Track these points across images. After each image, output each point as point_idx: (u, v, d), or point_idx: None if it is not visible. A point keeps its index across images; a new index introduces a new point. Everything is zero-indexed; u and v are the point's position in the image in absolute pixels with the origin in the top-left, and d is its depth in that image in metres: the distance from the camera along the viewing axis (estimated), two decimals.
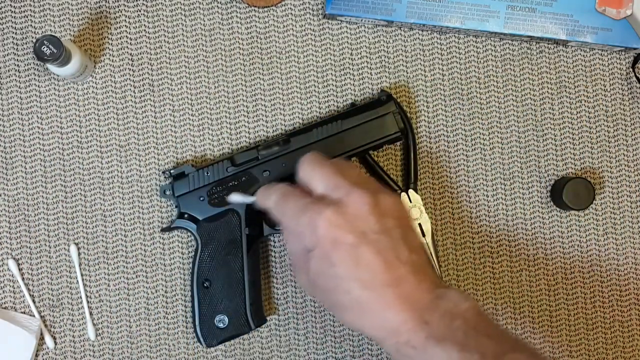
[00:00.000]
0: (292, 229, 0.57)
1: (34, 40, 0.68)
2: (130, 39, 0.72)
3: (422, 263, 0.56)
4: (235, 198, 0.66)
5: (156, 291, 0.72)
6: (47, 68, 0.71)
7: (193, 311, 0.69)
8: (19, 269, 0.71)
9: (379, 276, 0.53)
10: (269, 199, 0.60)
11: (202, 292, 0.68)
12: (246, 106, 0.73)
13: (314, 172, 0.58)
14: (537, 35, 0.72)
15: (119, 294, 0.71)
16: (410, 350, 0.53)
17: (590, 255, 0.74)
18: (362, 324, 0.55)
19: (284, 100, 0.73)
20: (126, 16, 0.72)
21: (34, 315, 0.71)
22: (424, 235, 0.72)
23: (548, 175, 0.74)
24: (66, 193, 0.71)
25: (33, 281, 0.71)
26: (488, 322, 0.54)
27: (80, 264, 0.71)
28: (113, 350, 0.71)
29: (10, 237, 0.71)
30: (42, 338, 0.71)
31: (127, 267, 0.72)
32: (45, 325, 0.71)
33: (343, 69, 0.73)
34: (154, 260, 0.72)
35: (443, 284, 0.56)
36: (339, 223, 0.54)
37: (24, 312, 0.71)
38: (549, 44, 0.74)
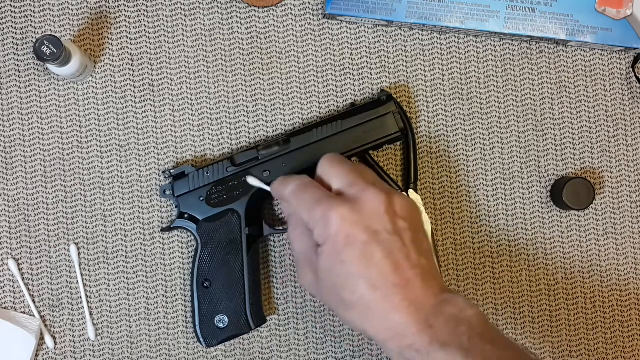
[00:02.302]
0: (302, 221, 0.57)
1: (34, 40, 0.68)
2: (130, 39, 0.72)
3: (431, 267, 0.56)
4: (253, 181, 0.66)
5: (156, 291, 0.72)
6: (47, 68, 0.71)
7: (193, 311, 0.69)
8: (19, 269, 0.71)
9: (387, 277, 0.53)
10: (286, 188, 0.60)
11: (202, 292, 0.68)
12: (246, 106, 0.73)
13: (333, 169, 0.59)
14: (537, 35, 0.72)
15: (119, 294, 0.71)
16: (413, 354, 0.52)
17: (590, 255, 0.74)
18: (366, 324, 0.54)
19: (284, 100, 0.73)
20: (126, 16, 0.72)
21: (34, 315, 0.71)
22: None
23: (548, 175, 0.74)
24: (66, 193, 0.71)
25: (33, 281, 0.71)
26: (493, 330, 0.54)
27: (80, 264, 0.71)
28: (113, 350, 0.71)
29: (10, 237, 0.71)
30: (42, 338, 0.71)
31: (127, 267, 0.72)
32: (45, 325, 0.71)
33: (343, 69, 0.73)
34: (154, 260, 0.72)
35: (450, 290, 0.56)
36: (353, 220, 0.54)
37: (24, 312, 0.71)
38: (549, 44, 0.74)
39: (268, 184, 0.65)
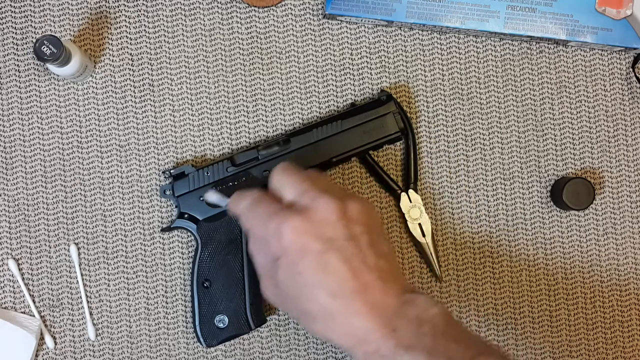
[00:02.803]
0: (259, 236, 0.56)
1: (34, 40, 0.68)
2: (130, 39, 0.72)
3: (390, 269, 0.55)
4: (212, 197, 0.65)
5: (156, 291, 0.72)
6: (47, 68, 0.71)
7: (193, 311, 0.69)
8: (19, 269, 0.71)
9: (345, 284, 0.53)
10: (239, 204, 0.59)
11: (202, 292, 0.68)
12: (246, 106, 0.73)
13: (284, 180, 0.58)
14: (537, 35, 0.72)
15: (119, 294, 0.71)
16: (379, 359, 0.52)
17: (590, 255, 0.74)
18: (330, 333, 0.54)
19: (284, 100, 0.73)
20: (126, 16, 0.72)
21: (34, 315, 0.71)
22: (424, 235, 0.72)
23: (548, 175, 0.74)
24: (66, 193, 0.71)
25: (33, 281, 0.71)
26: (457, 327, 0.54)
27: (80, 264, 0.71)
28: (113, 350, 0.71)
29: (10, 237, 0.71)
30: (42, 338, 0.71)
31: (127, 267, 0.72)
32: (45, 325, 0.71)
33: (343, 69, 0.73)
34: (154, 260, 0.72)
35: (412, 289, 0.56)
36: (306, 230, 0.53)
37: (24, 312, 0.71)
38: (549, 44, 0.74)
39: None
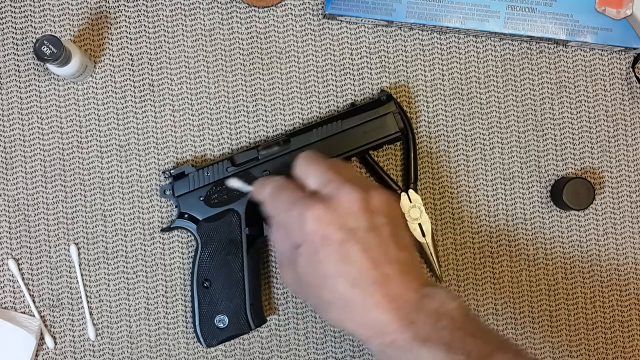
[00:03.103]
0: (281, 223, 0.57)
1: (34, 40, 0.68)
2: (130, 39, 0.72)
3: (411, 262, 0.56)
4: (234, 183, 0.66)
5: (156, 291, 0.72)
6: (47, 68, 0.71)
7: (193, 311, 0.69)
8: (19, 269, 0.71)
9: (366, 274, 0.53)
10: (263, 190, 0.60)
11: (202, 292, 0.68)
12: (246, 106, 0.73)
13: (309, 168, 0.58)
14: (537, 35, 0.72)
15: (119, 294, 0.71)
16: (395, 351, 0.52)
17: (590, 255, 0.74)
18: (347, 322, 0.54)
19: (284, 100, 0.73)
20: (126, 16, 0.72)
21: (34, 315, 0.71)
22: (424, 235, 0.72)
23: (548, 175, 0.74)
24: (66, 193, 0.71)
25: (33, 281, 0.71)
26: (475, 322, 0.54)
27: (80, 264, 0.71)
28: (113, 350, 0.71)
29: (10, 237, 0.71)
30: (42, 338, 0.71)
31: (127, 267, 0.72)
32: (45, 325, 0.71)
33: (343, 69, 0.73)
34: (154, 260, 0.72)
35: (431, 283, 0.56)
36: (328, 219, 0.54)
37: (24, 312, 0.71)
38: (549, 44, 0.74)
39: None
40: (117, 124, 0.72)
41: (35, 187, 0.71)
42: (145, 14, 0.72)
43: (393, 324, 0.52)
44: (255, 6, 0.73)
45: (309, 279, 0.55)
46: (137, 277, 0.72)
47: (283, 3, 0.73)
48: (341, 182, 0.56)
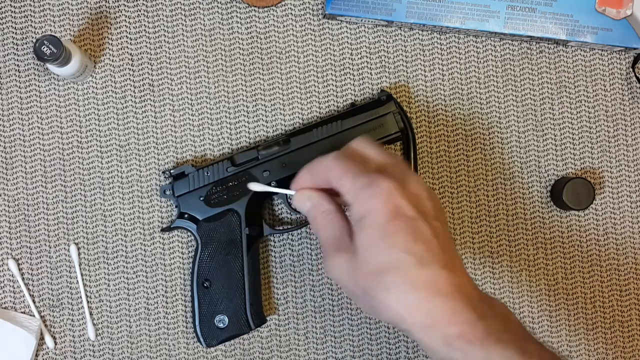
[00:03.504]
0: (343, 190, 0.52)
1: (34, 40, 0.68)
2: (130, 39, 0.72)
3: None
4: (255, 187, 0.63)
5: (156, 291, 0.72)
6: (47, 68, 0.71)
7: (193, 311, 0.69)
8: (19, 269, 0.71)
9: (435, 256, 0.49)
10: (326, 157, 0.55)
11: (202, 292, 0.68)
12: (246, 106, 0.73)
13: (372, 146, 0.55)
14: (537, 35, 0.72)
15: (119, 294, 0.71)
16: (464, 344, 0.47)
17: (590, 255, 0.74)
18: (405, 308, 0.49)
19: (284, 100, 0.73)
20: (126, 16, 0.72)
21: (34, 315, 0.71)
22: None
23: (548, 175, 0.74)
24: (66, 193, 0.71)
25: (33, 281, 0.71)
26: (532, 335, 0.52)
27: (80, 264, 0.71)
28: (113, 350, 0.71)
29: (10, 237, 0.71)
30: (42, 338, 0.71)
31: (127, 267, 0.72)
32: (45, 325, 0.71)
33: (343, 69, 0.73)
34: (154, 260, 0.72)
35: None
36: (401, 194, 0.50)
37: (24, 312, 0.71)
38: (549, 44, 0.74)
39: (274, 185, 0.63)
40: (117, 124, 0.72)
41: (35, 187, 0.71)
42: (145, 14, 0.72)
43: (463, 315, 0.48)
44: (255, 6, 0.73)
45: (371, 255, 0.50)
46: (137, 277, 0.72)
47: (283, 3, 0.73)
48: (407, 168, 0.54)
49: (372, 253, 0.50)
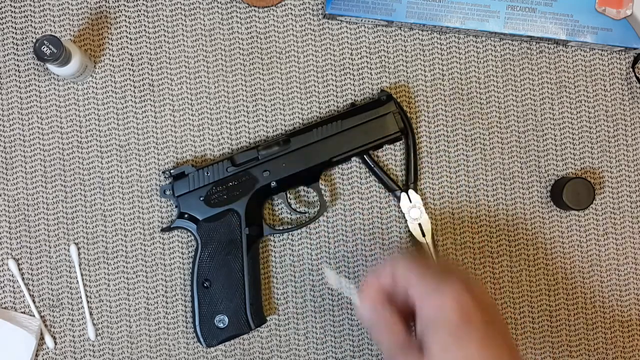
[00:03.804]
0: (411, 293, 0.53)
1: (34, 40, 0.68)
2: (130, 39, 0.72)
3: None
4: (332, 282, 0.60)
5: (156, 291, 0.72)
6: (47, 68, 0.71)
7: (193, 311, 0.69)
8: (19, 269, 0.71)
9: None
10: (397, 263, 0.55)
11: (202, 292, 0.68)
12: (246, 106, 0.73)
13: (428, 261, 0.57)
14: (537, 35, 0.72)
15: (119, 294, 0.71)
16: None
17: (590, 255, 0.74)
18: None
19: (284, 100, 0.73)
20: (126, 16, 0.72)
21: (34, 315, 0.71)
22: (424, 235, 0.72)
23: (548, 175, 0.74)
24: (66, 193, 0.71)
25: (33, 281, 0.71)
26: None
27: (80, 264, 0.71)
28: (113, 350, 0.71)
29: (10, 237, 0.71)
30: (42, 338, 0.71)
31: (127, 267, 0.72)
32: (45, 325, 0.71)
33: (343, 69, 0.73)
34: (154, 260, 0.72)
35: None
36: (470, 297, 0.51)
37: (24, 312, 0.71)
38: (549, 44, 0.74)
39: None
40: (117, 124, 0.72)
41: (35, 187, 0.71)
42: (145, 14, 0.72)
43: None
44: (255, 6, 0.73)
45: (443, 356, 0.50)
46: (137, 277, 0.72)
47: (283, 3, 0.73)
48: (466, 275, 0.54)
49: (446, 356, 0.50)
